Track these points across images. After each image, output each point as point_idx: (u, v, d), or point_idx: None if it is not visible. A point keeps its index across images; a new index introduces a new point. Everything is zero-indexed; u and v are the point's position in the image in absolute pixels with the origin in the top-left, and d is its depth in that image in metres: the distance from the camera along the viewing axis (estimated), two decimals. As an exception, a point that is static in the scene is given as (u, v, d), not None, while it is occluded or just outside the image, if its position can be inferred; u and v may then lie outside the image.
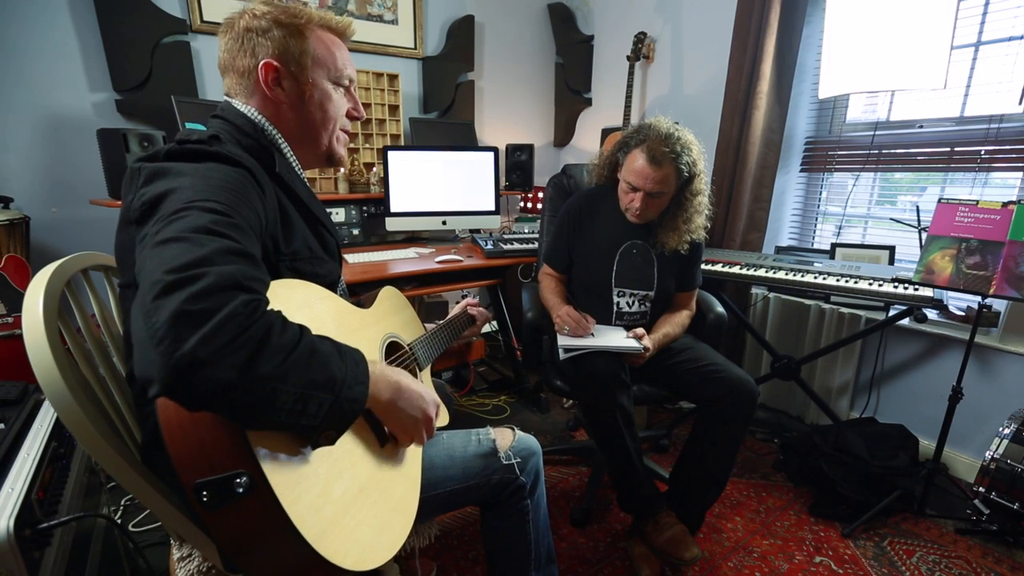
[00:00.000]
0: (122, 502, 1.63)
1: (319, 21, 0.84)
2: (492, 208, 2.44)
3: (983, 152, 1.85)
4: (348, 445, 0.72)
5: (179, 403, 0.52)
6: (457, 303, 1.38)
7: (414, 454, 0.89)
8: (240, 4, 0.84)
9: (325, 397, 0.59)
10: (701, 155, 1.47)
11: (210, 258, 0.53)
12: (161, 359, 0.48)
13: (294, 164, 0.89)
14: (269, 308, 0.56)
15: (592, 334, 1.46)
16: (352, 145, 2.52)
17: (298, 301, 0.74)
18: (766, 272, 1.91)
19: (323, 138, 0.89)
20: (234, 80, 0.84)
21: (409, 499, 0.81)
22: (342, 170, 2.42)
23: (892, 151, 2.08)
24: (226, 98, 0.86)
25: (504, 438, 1.02)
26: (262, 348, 0.53)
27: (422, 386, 0.80)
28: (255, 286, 0.56)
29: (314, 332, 0.62)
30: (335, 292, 0.88)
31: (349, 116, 0.92)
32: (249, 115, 0.83)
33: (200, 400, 0.51)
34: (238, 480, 0.56)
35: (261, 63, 0.80)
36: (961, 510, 1.72)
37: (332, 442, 0.66)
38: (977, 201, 1.53)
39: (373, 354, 0.93)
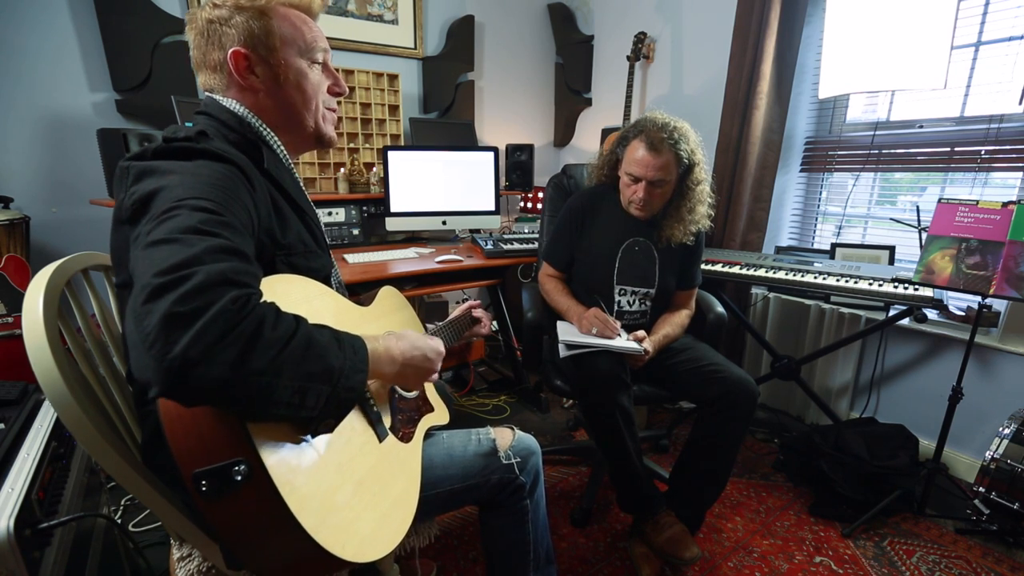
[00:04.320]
0: (122, 502, 1.63)
1: None
2: (492, 208, 2.44)
3: (983, 152, 1.85)
4: (347, 439, 0.72)
5: (178, 402, 0.52)
6: (458, 303, 1.38)
7: (414, 451, 0.89)
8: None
9: (323, 388, 0.59)
10: (699, 144, 1.49)
11: (199, 257, 0.53)
12: (154, 363, 0.48)
13: (282, 156, 0.87)
14: (262, 301, 0.56)
15: (620, 334, 1.46)
16: (352, 145, 2.52)
17: (296, 297, 0.74)
18: (766, 272, 1.91)
19: (307, 119, 0.86)
20: (208, 76, 0.82)
21: (409, 494, 0.82)
22: (342, 170, 2.42)
23: (892, 151, 2.07)
24: (207, 93, 0.84)
25: (504, 438, 1.02)
26: (254, 343, 0.52)
27: (420, 339, 0.82)
28: (246, 280, 0.56)
29: None
30: (329, 285, 0.88)
31: (331, 92, 0.89)
32: (232, 109, 0.81)
33: (196, 398, 0.52)
34: (236, 468, 0.57)
35: (230, 53, 0.78)
36: (961, 510, 1.72)
37: (331, 430, 0.67)
38: (977, 201, 1.53)
39: None
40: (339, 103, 0.94)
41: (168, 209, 0.58)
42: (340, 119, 2.42)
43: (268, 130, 0.84)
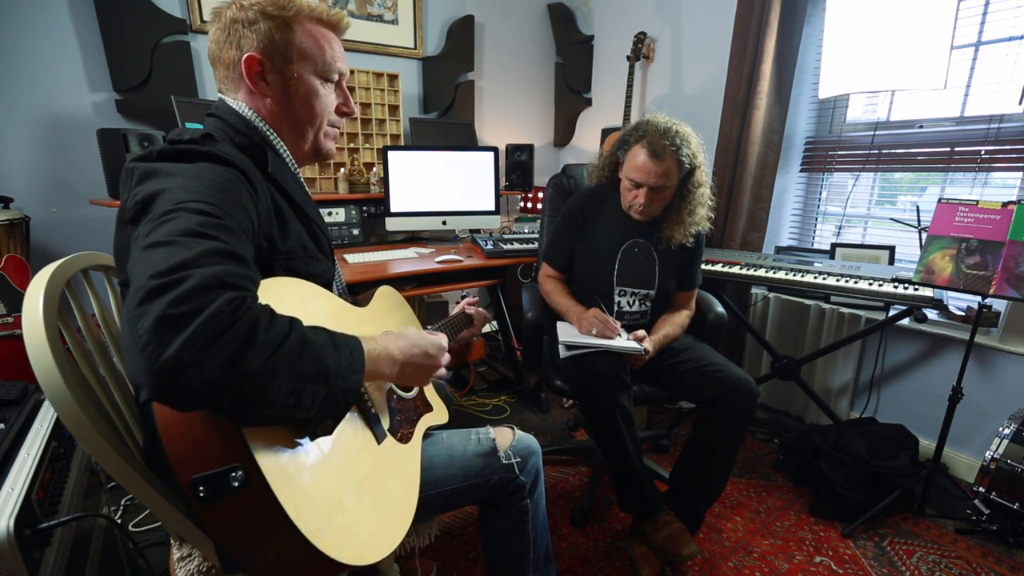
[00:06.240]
0: (122, 502, 1.63)
1: (309, 13, 0.81)
2: (492, 208, 2.44)
3: (983, 152, 1.85)
4: (345, 442, 0.72)
5: (170, 406, 0.52)
6: (457, 303, 1.38)
7: (413, 452, 0.89)
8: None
9: (318, 390, 0.59)
10: (700, 147, 1.48)
11: (195, 260, 0.53)
12: (146, 364, 0.48)
13: (288, 162, 0.87)
14: (256, 303, 0.56)
15: (620, 334, 1.46)
16: (352, 145, 2.52)
17: (292, 299, 0.74)
18: (766, 272, 1.91)
19: (308, 133, 0.87)
20: (221, 72, 0.83)
21: (407, 496, 0.82)
22: (342, 170, 2.42)
23: (892, 151, 2.07)
24: (220, 95, 0.85)
25: (504, 437, 1.02)
26: (247, 345, 0.52)
27: (420, 336, 0.82)
28: (242, 283, 0.56)
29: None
30: (331, 291, 0.88)
31: (339, 112, 0.90)
32: (241, 112, 0.82)
33: (189, 401, 0.51)
34: (233, 474, 0.56)
35: (244, 56, 0.79)
36: (961, 510, 1.71)
37: (330, 431, 0.67)
38: (977, 201, 1.53)
39: None
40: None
41: (167, 211, 0.59)
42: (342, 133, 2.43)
43: (275, 135, 0.85)
